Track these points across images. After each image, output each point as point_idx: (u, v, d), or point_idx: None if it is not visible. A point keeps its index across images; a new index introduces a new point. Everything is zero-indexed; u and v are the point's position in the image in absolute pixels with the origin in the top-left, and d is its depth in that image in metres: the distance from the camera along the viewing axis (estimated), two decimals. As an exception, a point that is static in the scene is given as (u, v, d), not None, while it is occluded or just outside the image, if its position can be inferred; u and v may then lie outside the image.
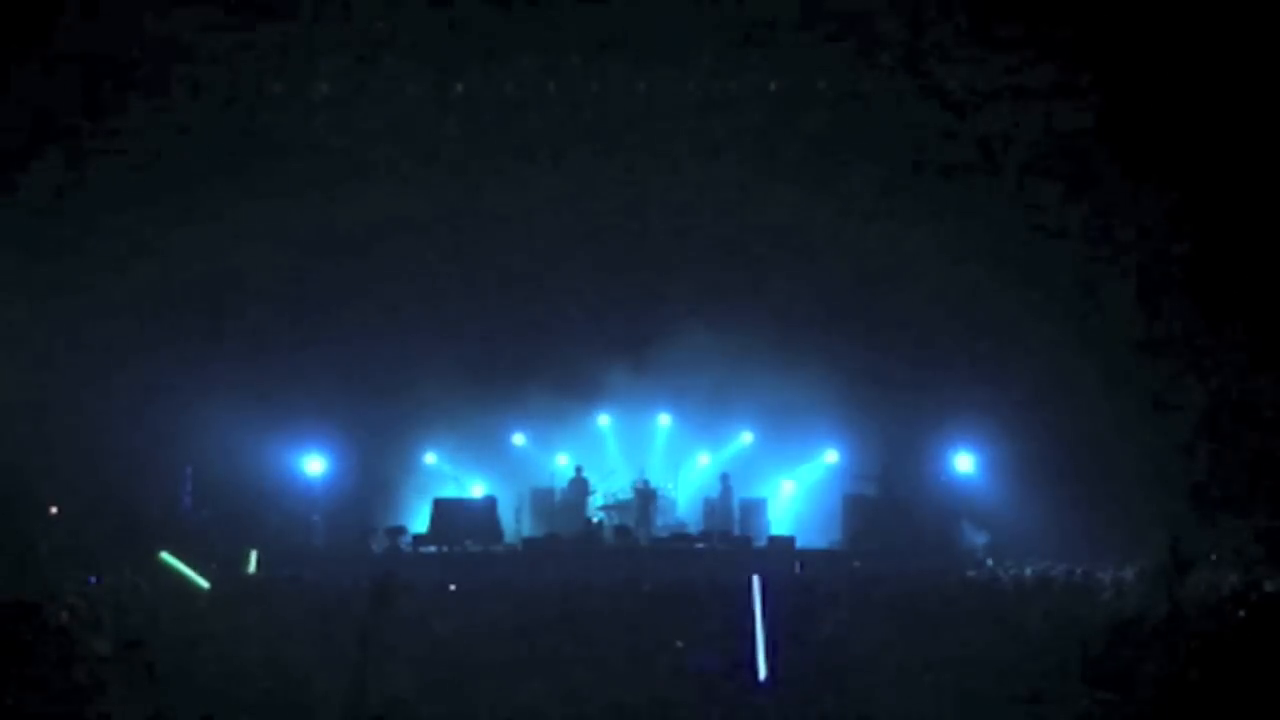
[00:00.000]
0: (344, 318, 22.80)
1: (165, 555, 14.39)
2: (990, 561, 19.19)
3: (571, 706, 8.98)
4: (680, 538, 23.40)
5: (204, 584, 14.60)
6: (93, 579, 14.86)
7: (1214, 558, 16.49)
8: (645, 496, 23.80)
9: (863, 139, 21.56)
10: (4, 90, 18.74)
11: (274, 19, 19.55)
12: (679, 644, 11.80)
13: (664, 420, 25.82)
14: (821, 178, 22.03)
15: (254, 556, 18.66)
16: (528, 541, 22.86)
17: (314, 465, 23.18)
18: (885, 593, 14.27)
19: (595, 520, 23.88)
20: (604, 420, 25.79)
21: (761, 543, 22.99)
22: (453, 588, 17.23)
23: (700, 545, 22.72)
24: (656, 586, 15.27)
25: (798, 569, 20.03)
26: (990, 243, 22.02)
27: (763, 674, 9.15)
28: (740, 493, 24.47)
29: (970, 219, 21.85)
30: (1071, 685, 8.97)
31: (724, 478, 24.51)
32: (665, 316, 23.35)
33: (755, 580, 10.44)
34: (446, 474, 25.07)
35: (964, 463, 23.12)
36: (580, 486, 24.20)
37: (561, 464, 25.45)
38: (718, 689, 8.80)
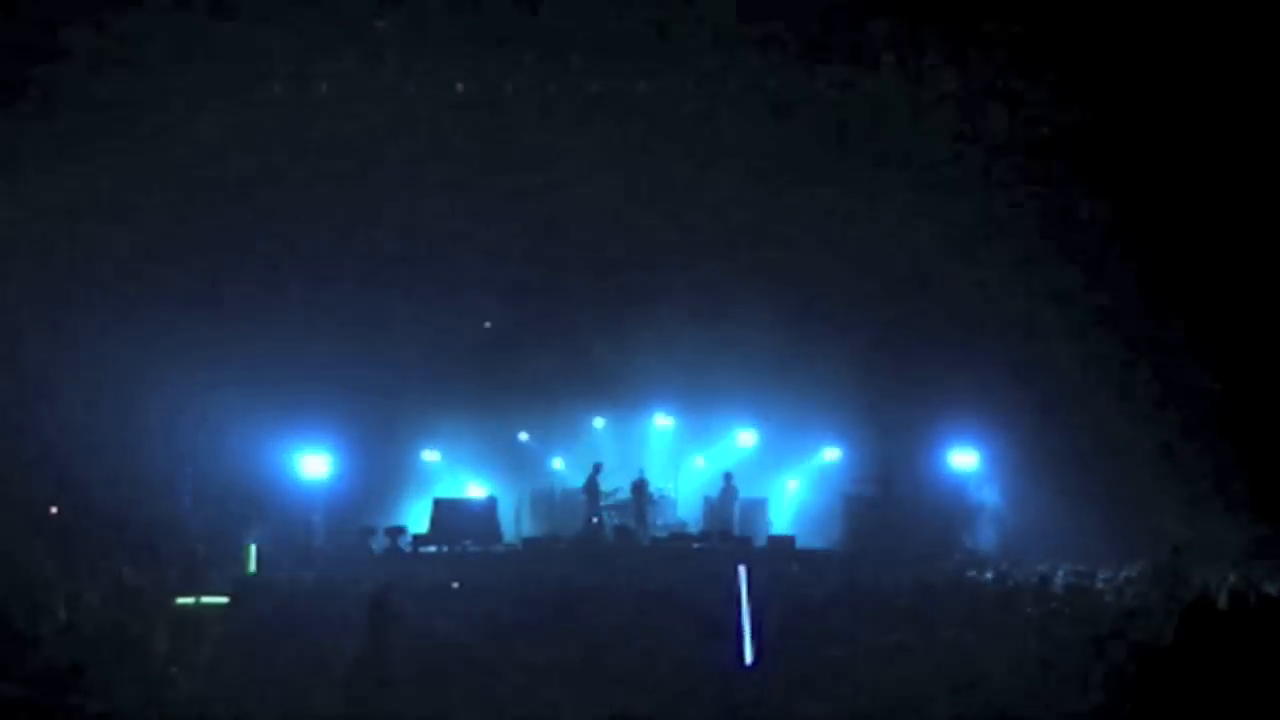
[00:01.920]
0: (345, 318, 22.80)
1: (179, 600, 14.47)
2: (990, 575, 19.12)
3: (570, 704, 9.01)
4: (680, 537, 23.39)
5: (221, 600, 14.64)
6: None
7: (1214, 558, 16.50)
8: (639, 492, 23.75)
9: (866, 138, 21.56)
10: None
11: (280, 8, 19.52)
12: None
13: (664, 420, 25.86)
14: (823, 178, 22.04)
15: (254, 553, 18.64)
16: (528, 541, 22.88)
17: (314, 465, 23.19)
18: (883, 592, 14.29)
19: (595, 520, 23.88)
20: (603, 421, 25.84)
21: (761, 542, 22.99)
22: (455, 585, 17.30)
23: (699, 545, 22.71)
24: (655, 586, 15.29)
25: (794, 568, 20.06)
26: (992, 242, 22.03)
27: (749, 657, 9.21)
28: (741, 492, 24.48)
29: (973, 217, 21.87)
30: (1070, 685, 8.98)
31: (726, 477, 24.49)
32: (666, 316, 23.35)
33: (741, 570, 10.56)
34: (446, 474, 25.11)
35: (964, 463, 23.11)
36: (593, 489, 24.07)
37: (560, 466, 25.53)
38: (707, 675, 8.85)
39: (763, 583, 12.89)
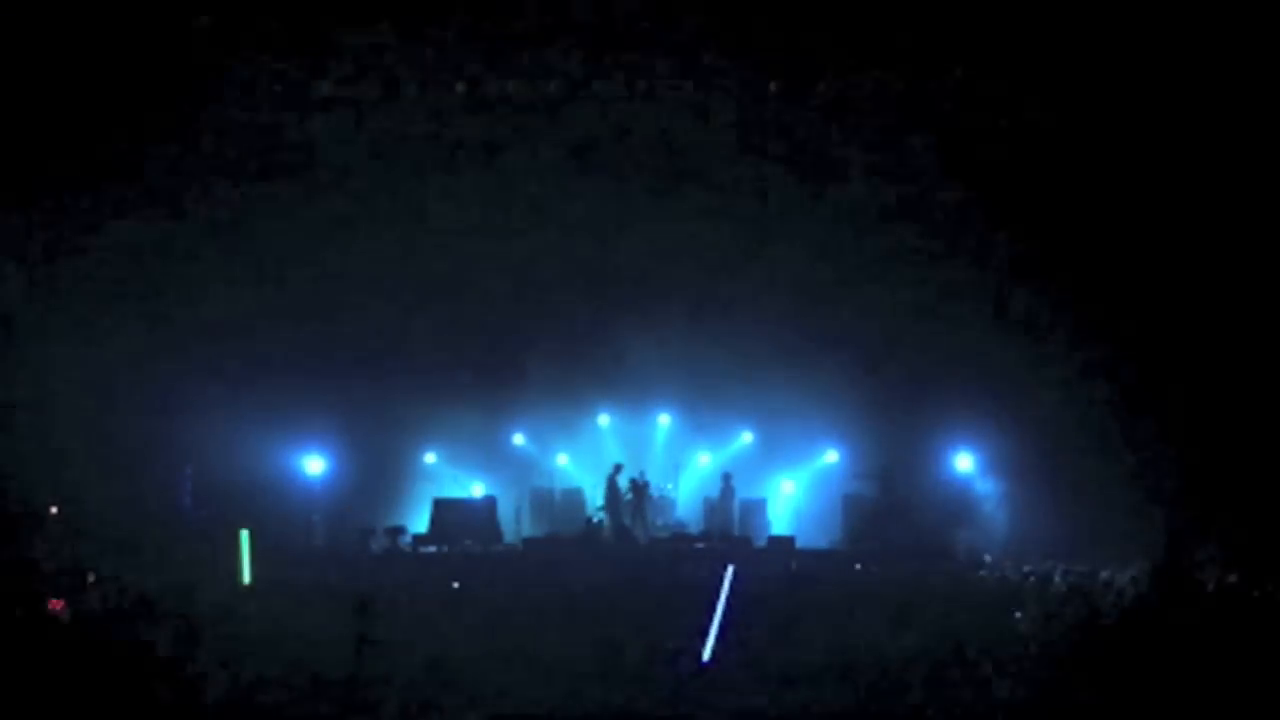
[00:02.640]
0: (344, 318, 22.80)
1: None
2: (989, 574, 19.14)
3: (567, 704, 9.02)
4: (680, 538, 23.40)
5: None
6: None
7: (1212, 558, 16.49)
8: (638, 491, 23.71)
9: (859, 138, 21.57)
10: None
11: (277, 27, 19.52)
12: None
13: (664, 420, 25.87)
14: (819, 177, 22.04)
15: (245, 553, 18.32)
16: (528, 541, 22.88)
17: (314, 465, 23.19)
18: (881, 592, 14.30)
19: (595, 520, 23.87)
20: (604, 420, 25.84)
21: (761, 543, 22.98)
22: (455, 585, 17.35)
23: (700, 545, 22.71)
24: (654, 586, 15.31)
25: (792, 567, 20.10)
26: (991, 241, 22.03)
27: (706, 656, 9.23)
28: (741, 492, 24.47)
29: (971, 215, 21.87)
30: (1070, 685, 8.99)
31: (726, 477, 24.50)
32: (666, 316, 23.33)
33: (729, 570, 10.61)
34: (446, 474, 25.11)
35: (964, 462, 23.12)
36: (613, 489, 23.82)
37: (561, 463, 25.53)
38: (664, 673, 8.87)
39: (762, 582, 12.91)
